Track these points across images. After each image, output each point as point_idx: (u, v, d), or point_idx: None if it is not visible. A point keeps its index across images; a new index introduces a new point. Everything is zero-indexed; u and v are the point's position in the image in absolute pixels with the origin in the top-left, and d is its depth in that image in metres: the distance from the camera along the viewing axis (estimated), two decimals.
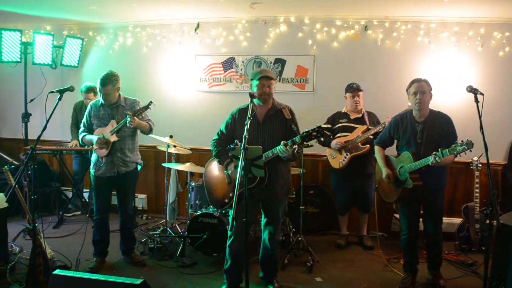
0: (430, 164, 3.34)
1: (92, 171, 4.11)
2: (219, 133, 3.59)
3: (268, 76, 3.36)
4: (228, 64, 5.58)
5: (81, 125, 4.17)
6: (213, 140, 3.59)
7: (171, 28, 5.73)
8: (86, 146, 4.77)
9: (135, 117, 3.85)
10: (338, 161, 4.72)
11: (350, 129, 4.69)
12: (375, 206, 4.71)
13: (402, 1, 4.63)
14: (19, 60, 5.58)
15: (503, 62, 4.99)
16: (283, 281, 3.88)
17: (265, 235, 3.58)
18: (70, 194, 5.93)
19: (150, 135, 4.23)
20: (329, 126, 4.82)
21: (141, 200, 6.00)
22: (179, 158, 5.47)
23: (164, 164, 4.77)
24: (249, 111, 3.06)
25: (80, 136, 4.13)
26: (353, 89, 4.68)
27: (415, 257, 3.87)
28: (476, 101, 3.18)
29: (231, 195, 3.44)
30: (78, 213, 5.82)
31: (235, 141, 3.21)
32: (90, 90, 5.46)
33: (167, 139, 4.75)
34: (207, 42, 5.66)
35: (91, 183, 4.17)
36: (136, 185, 4.38)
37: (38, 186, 5.40)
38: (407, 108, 4.33)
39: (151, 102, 3.95)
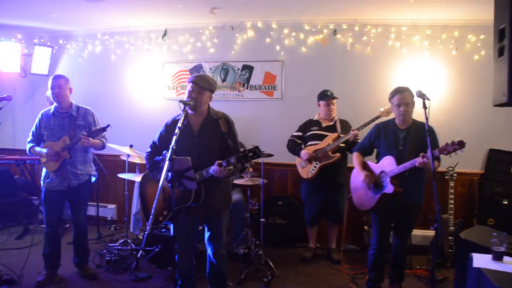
0: (416, 165, 3.21)
1: (42, 183, 3.97)
2: (152, 145, 3.32)
3: (195, 82, 3.08)
4: (196, 71, 5.43)
5: (30, 134, 3.98)
6: (146, 153, 3.33)
7: (138, 36, 5.63)
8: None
9: (90, 138, 3.75)
10: (307, 171, 4.53)
11: (321, 137, 4.50)
12: (345, 218, 4.56)
13: (371, 3, 4.46)
14: None
15: (479, 66, 4.75)
16: None
17: (210, 251, 3.39)
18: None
19: (108, 144, 4.14)
20: (300, 134, 4.67)
21: (110, 210, 5.88)
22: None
23: (120, 175, 4.64)
24: (180, 120, 2.89)
25: (28, 146, 3.95)
26: (328, 97, 4.50)
27: (380, 274, 3.69)
28: (424, 107, 2.98)
29: (165, 213, 3.25)
30: None
31: (164, 152, 3.02)
32: None
33: (126, 149, 4.63)
34: (174, 49, 5.54)
35: (41, 196, 4.04)
36: (90, 196, 4.23)
37: (2, 196, 5.34)
38: (378, 114, 4.20)
39: (108, 125, 3.85)
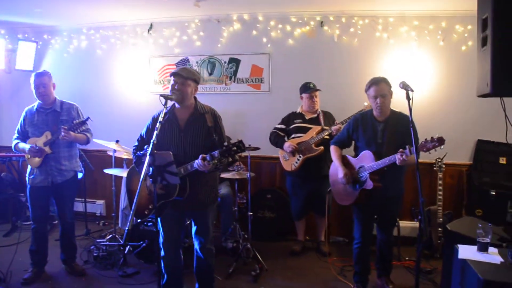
0: (397, 163, 3.09)
1: (27, 179, 3.94)
2: (139, 138, 3.29)
3: (178, 74, 3.05)
4: (182, 65, 5.35)
5: (15, 131, 3.96)
6: (133, 146, 3.30)
7: (124, 30, 5.56)
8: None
9: (70, 132, 3.69)
10: (290, 163, 4.51)
11: (305, 130, 4.48)
12: (332, 210, 4.54)
13: None
14: None
15: (466, 56, 4.70)
16: None
17: (196, 245, 3.37)
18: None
19: (94, 140, 4.11)
20: (283, 127, 4.64)
21: (99, 206, 5.84)
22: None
23: (106, 170, 4.60)
24: (161, 115, 2.85)
25: (13, 143, 3.93)
26: (310, 90, 4.47)
27: (366, 267, 3.66)
28: (408, 98, 2.91)
29: (151, 207, 3.22)
30: None
31: (145, 146, 2.99)
32: None
33: (113, 144, 4.58)
34: (160, 43, 5.48)
35: (27, 192, 4.00)
36: (77, 192, 4.18)
37: None
38: (363, 108, 4.14)
39: (88, 118, 3.81)
